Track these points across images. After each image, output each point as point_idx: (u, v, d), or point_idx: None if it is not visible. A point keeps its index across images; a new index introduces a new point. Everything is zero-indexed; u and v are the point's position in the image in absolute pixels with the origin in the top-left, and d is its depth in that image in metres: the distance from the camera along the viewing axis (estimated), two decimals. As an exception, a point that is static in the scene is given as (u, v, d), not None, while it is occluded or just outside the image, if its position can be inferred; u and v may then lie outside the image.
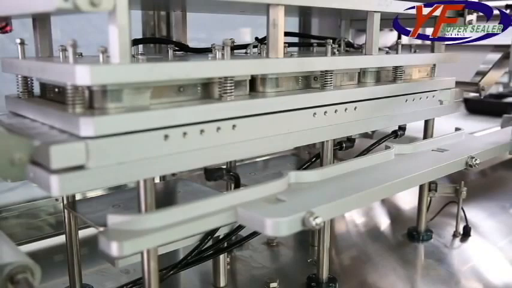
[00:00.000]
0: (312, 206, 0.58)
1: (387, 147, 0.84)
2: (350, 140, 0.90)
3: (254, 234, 0.79)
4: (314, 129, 0.72)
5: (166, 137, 0.54)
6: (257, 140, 0.65)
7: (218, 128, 0.60)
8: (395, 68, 0.87)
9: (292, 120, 0.69)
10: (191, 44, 0.93)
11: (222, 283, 0.84)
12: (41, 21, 0.68)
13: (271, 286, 0.81)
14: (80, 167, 0.49)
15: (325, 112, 0.73)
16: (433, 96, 0.94)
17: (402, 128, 0.97)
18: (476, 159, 0.86)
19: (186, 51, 0.88)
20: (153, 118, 0.54)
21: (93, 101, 0.54)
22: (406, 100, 0.88)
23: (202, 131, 0.58)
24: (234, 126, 0.61)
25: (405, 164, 0.80)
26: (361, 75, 0.85)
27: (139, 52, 0.73)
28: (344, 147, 0.89)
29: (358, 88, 0.80)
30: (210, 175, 0.73)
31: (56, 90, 0.61)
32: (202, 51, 0.87)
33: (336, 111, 0.75)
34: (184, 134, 0.56)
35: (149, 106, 0.56)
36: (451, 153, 0.88)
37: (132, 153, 0.52)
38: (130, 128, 0.52)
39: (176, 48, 0.83)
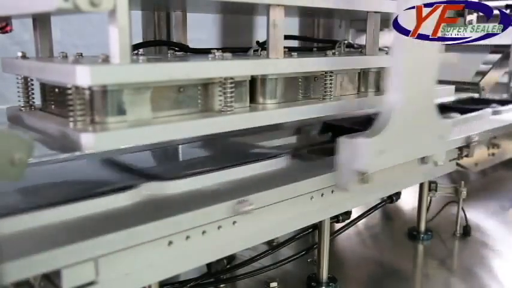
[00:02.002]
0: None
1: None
2: (346, 213, 0.90)
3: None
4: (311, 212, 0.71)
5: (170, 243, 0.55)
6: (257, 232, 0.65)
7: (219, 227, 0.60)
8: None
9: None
10: (191, 45, 0.93)
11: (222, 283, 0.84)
12: (41, 21, 0.68)
13: (271, 286, 0.81)
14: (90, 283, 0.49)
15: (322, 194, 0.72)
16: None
17: (397, 193, 1.00)
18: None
19: (186, 51, 0.88)
20: (154, 133, 0.55)
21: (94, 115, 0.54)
22: None
23: (204, 232, 0.58)
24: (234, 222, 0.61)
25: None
26: (361, 82, 0.86)
27: (140, 52, 0.73)
28: (341, 219, 0.90)
29: (357, 99, 0.83)
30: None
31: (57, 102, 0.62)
32: (203, 52, 0.87)
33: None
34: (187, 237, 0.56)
35: (150, 120, 0.57)
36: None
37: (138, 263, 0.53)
38: (130, 142, 0.53)
39: (176, 48, 0.83)
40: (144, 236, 0.51)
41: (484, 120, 1.15)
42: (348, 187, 0.69)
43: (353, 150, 0.66)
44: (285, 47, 0.70)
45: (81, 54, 0.69)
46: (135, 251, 0.51)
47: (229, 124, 0.63)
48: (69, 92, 0.53)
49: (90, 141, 0.50)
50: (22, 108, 0.66)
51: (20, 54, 0.64)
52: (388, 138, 0.69)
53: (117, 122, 0.54)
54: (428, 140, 0.79)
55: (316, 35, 1.31)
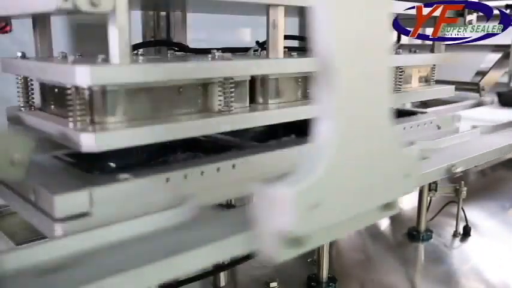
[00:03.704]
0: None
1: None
2: None
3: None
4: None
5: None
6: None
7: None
8: (395, 72, 0.88)
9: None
10: (191, 45, 0.93)
11: (222, 283, 0.84)
12: (41, 21, 0.68)
13: (271, 286, 0.81)
14: (83, 214, 0.49)
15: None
16: (431, 123, 0.94)
17: None
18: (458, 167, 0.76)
19: (186, 51, 0.88)
20: (154, 133, 0.55)
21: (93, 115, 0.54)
22: (404, 128, 0.88)
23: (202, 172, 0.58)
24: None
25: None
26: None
27: (139, 53, 0.73)
28: None
29: None
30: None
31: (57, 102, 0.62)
32: (202, 52, 0.87)
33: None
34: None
35: (150, 120, 0.57)
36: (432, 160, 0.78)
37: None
38: (130, 143, 0.52)
39: (176, 48, 0.83)
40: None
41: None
42: (275, 256, 0.46)
43: (273, 207, 0.44)
44: (284, 47, 0.70)
45: (80, 54, 0.69)
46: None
47: (229, 124, 0.63)
48: (69, 92, 0.53)
49: (90, 141, 0.50)
50: (22, 108, 0.66)
51: (19, 54, 0.64)
52: (324, 186, 0.45)
53: (116, 122, 0.54)
54: (388, 180, 0.52)
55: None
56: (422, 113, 1.03)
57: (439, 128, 0.94)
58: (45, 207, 0.49)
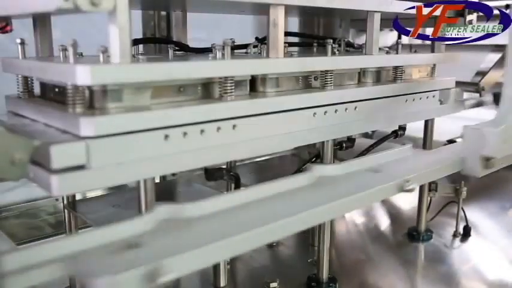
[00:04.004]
0: (167, 255, 0.48)
1: (309, 169, 0.74)
2: (350, 140, 0.90)
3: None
4: (314, 129, 0.72)
5: (166, 137, 0.54)
6: (257, 139, 0.65)
7: (218, 128, 0.60)
8: (396, 68, 0.88)
9: (292, 120, 0.69)
10: (191, 44, 0.93)
11: (222, 283, 0.83)
12: (41, 21, 0.68)
13: (271, 286, 0.81)
14: (80, 167, 0.49)
15: (325, 112, 0.73)
16: (433, 96, 0.94)
17: (402, 128, 0.97)
18: (411, 184, 0.73)
19: (186, 51, 0.88)
20: (153, 118, 0.54)
21: (93, 100, 0.54)
22: (406, 100, 0.88)
23: (202, 131, 0.58)
24: (234, 126, 0.61)
25: (326, 190, 0.68)
26: (361, 75, 0.85)
27: (140, 52, 0.73)
28: (344, 147, 0.89)
29: (358, 88, 0.80)
30: (211, 175, 0.73)
31: (56, 90, 0.61)
32: (203, 51, 0.87)
33: (336, 111, 0.74)
34: (185, 134, 0.56)
35: (149, 106, 0.56)
36: (384, 175, 0.75)
37: (132, 153, 0.52)
38: (130, 128, 0.52)
39: (176, 48, 0.83)
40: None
41: None
42: (475, 172, 0.81)
43: (481, 140, 0.78)
44: (284, 42, 0.70)
45: (81, 54, 0.69)
46: (128, 139, 0.51)
47: (229, 110, 0.62)
48: (69, 91, 0.53)
49: (89, 126, 0.50)
50: (21, 96, 0.66)
51: (18, 40, 0.64)
52: (508, 131, 0.79)
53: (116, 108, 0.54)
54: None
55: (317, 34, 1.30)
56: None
57: (441, 102, 0.95)
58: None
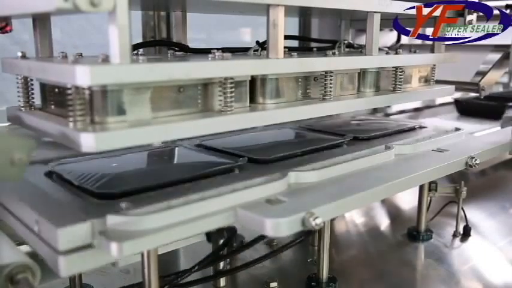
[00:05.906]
0: (312, 207, 0.58)
1: (387, 148, 0.84)
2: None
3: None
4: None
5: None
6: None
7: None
8: (395, 72, 0.88)
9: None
10: (191, 45, 0.93)
11: (222, 283, 0.84)
12: (41, 21, 0.68)
13: (271, 286, 0.81)
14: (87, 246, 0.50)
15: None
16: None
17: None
18: (476, 159, 0.86)
19: (186, 51, 0.88)
20: (154, 133, 0.55)
21: (93, 114, 0.54)
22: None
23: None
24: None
25: (405, 164, 0.80)
26: (360, 82, 0.86)
27: (140, 52, 0.73)
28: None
29: (357, 99, 0.82)
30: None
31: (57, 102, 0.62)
32: (203, 52, 0.87)
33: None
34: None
35: (150, 120, 0.57)
36: (451, 153, 0.88)
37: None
38: (131, 143, 0.53)
39: (176, 48, 0.83)
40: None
41: None
42: None
43: None
44: (284, 47, 0.70)
45: (81, 54, 0.69)
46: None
47: (229, 124, 0.63)
48: (69, 92, 0.53)
49: (90, 141, 0.50)
50: (22, 108, 0.66)
51: (19, 54, 0.64)
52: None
53: (117, 122, 0.54)
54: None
55: (317, 35, 1.31)
56: (421, 127, 1.06)
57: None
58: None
